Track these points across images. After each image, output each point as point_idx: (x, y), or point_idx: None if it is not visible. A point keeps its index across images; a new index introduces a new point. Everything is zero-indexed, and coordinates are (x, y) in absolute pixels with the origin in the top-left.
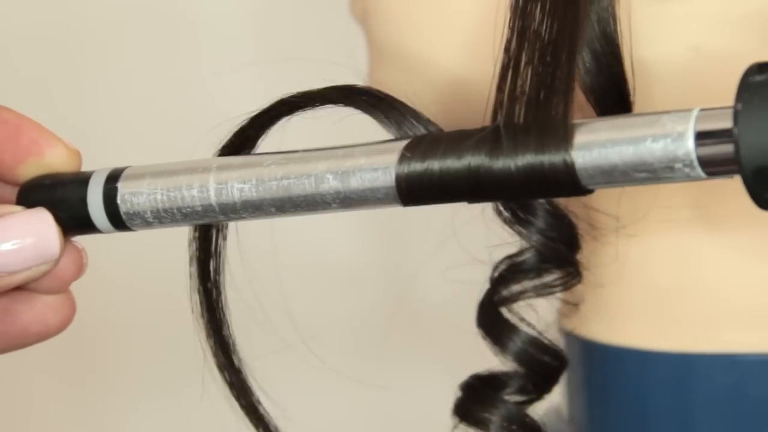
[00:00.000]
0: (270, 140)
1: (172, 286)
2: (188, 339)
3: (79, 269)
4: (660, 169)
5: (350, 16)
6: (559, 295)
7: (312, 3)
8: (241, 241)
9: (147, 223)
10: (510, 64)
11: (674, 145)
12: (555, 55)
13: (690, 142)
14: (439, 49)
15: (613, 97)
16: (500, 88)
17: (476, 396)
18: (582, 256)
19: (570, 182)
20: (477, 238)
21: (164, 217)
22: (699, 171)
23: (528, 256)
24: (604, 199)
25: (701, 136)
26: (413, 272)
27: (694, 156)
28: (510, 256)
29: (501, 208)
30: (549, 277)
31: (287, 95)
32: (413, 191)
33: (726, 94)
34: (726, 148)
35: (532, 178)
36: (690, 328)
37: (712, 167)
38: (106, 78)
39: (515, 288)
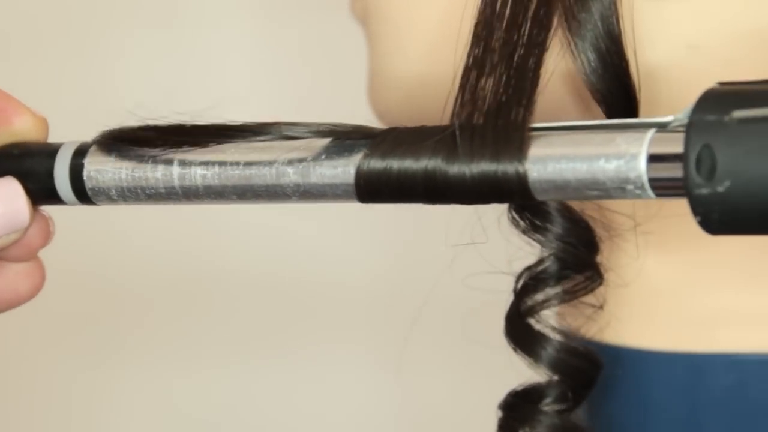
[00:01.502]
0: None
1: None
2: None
3: (47, 237)
4: (612, 189)
5: (350, 15)
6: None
7: (312, 3)
8: (268, 251)
9: (111, 200)
10: (473, 67)
11: (627, 166)
12: (521, 63)
13: (642, 165)
14: (439, 46)
15: (619, 94)
16: (462, 89)
17: (517, 413)
18: (602, 258)
19: (521, 191)
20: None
21: (128, 196)
22: (649, 193)
23: (548, 264)
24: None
25: (653, 159)
26: (432, 281)
27: (645, 179)
28: (530, 267)
29: (517, 217)
30: (571, 283)
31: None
32: (371, 189)
33: None
34: (676, 173)
35: (485, 185)
36: (691, 328)
37: (662, 190)
38: (104, 72)
39: (539, 297)
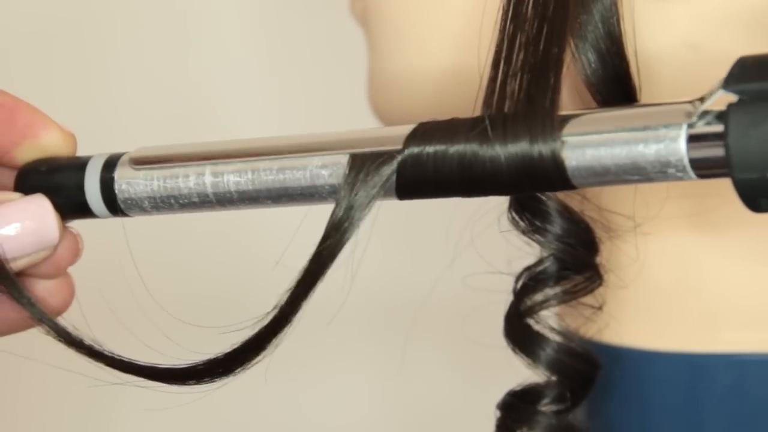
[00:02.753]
0: None
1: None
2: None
3: (76, 254)
4: (653, 173)
5: (350, 15)
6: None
7: (312, 3)
8: (266, 251)
9: (144, 211)
10: (499, 62)
11: (666, 149)
12: (545, 55)
13: (682, 146)
14: (435, 44)
15: (619, 95)
16: (491, 82)
17: (515, 413)
18: (602, 259)
19: (559, 175)
20: (494, 247)
21: (161, 206)
22: (691, 174)
23: (548, 264)
24: (618, 199)
25: (693, 139)
26: (432, 281)
27: (686, 160)
28: (529, 267)
29: (517, 218)
30: (570, 283)
31: None
32: (409, 184)
33: None
34: (717, 152)
35: (521, 170)
36: (691, 328)
37: (704, 170)
38: (109, 75)
39: (538, 297)
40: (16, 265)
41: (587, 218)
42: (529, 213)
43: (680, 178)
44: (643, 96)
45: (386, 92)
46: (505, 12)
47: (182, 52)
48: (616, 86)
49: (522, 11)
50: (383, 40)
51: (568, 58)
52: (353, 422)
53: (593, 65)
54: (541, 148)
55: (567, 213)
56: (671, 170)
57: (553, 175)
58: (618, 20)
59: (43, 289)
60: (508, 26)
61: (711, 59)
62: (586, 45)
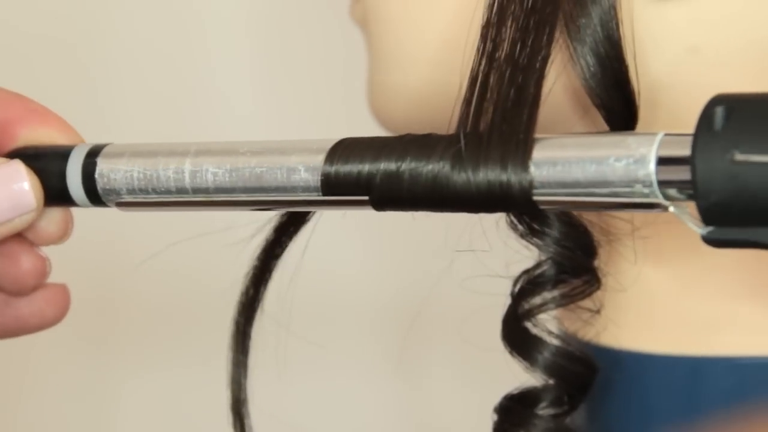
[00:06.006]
0: None
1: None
2: (192, 313)
3: (64, 230)
4: (620, 188)
5: (350, 18)
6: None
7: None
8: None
9: (121, 199)
10: (478, 77)
11: (636, 165)
12: (525, 73)
13: (651, 165)
14: (438, 52)
15: (618, 99)
16: (467, 98)
17: (512, 416)
18: (600, 262)
19: (524, 199)
20: (492, 250)
21: (138, 194)
22: (657, 193)
23: (546, 267)
24: None
25: (662, 161)
26: (430, 284)
27: (654, 178)
28: (527, 271)
29: (515, 221)
30: (569, 287)
31: None
32: (384, 196)
33: None
34: (684, 175)
35: (490, 193)
36: (690, 332)
37: (671, 191)
38: (108, 77)
39: (536, 301)
40: None
41: (585, 222)
42: (527, 216)
43: (647, 196)
44: (642, 100)
45: (386, 98)
46: (485, 30)
47: (180, 56)
48: (615, 90)
49: (502, 30)
50: (383, 46)
51: (566, 62)
52: (351, 427)
53: (592, 69)
54: (511, 177)
55: (565, 216)
56: (638, 186)
57: (521, 202)
58: (617, 24)
59: (41, 299)
60: (487, 44)
61: (710, 62)
62: (585, 48)
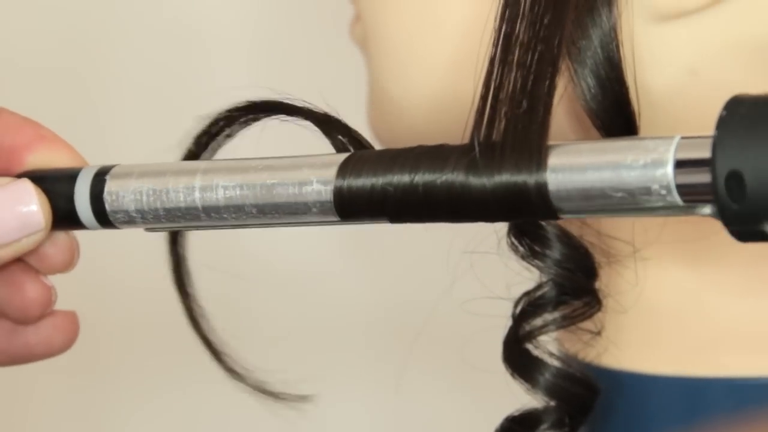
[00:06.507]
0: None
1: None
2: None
3: (70, 256)
4: (637, 191)
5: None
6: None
7: (312, 6)
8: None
9: (131, 220)
10: (491, 89)
11: (654, 168)
12: (536, 85)
13: (669, 168)
14: (437, 72)
15: (619, 121)
16: (480, 109)
17: None
18: (601, 284)
19: (542, 203)
20: (493, 272)
21: (147, 213)
22: (676, 196)
23: (547, 289)
24: (617, 225)
25: (680, 164)
26: (430, 305)
27: (672, 181)
28: (528, 292)
29: (516, 243)
30: (569, 308)
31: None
32: (399, 208)
33: None
34: (704, 177)
35: (506, 198)
36: (691, 352)
37: (690, 195)
38: (105, 80)
39: (537, 322)
40: (4, 253)
41: (586, 243)
42: (528, 238)
43: (665, 199)
44: (643, 121)
45: (386, 116)
46: (496, 40)
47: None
48: (615, 112)
49: (513, 39)
50: (383, 65)
51: (567, 84)
52: None
53: (593, 91)
54: (527, 180)
55: (566, 238)
56: (655, 187)
57: (539, 207)
58: (617, 46)
59: (50, 327)
60: (498, 53)
61: (711, 84)
62: (585, 70)
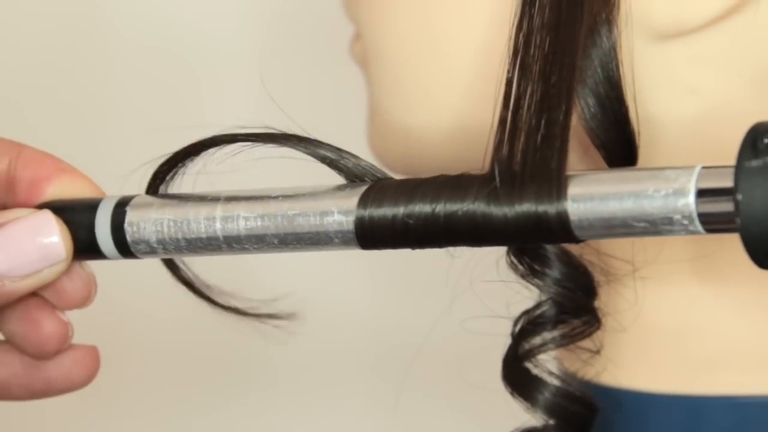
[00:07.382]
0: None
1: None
2: (202, 358)
3: (88, 291)
4: (659, 220)
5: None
6: None
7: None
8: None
9: (152, 250)
10: (507, 117)
11: (675, 198)
12: (552, 113)
13: (691, 197)
14: (439, 94)
15: (619, 140)
16: (498, 139)
17: None
18: (600, 303)
19: (563, 230)
20: (492, 291)
21: (169, 244)
22: (698, 226)
23: (546, 308)
24: (616, 244)
25: (702, 193)
26: (430, 324)
27: (694, 211)
28: (528, 311)
29: (516, 261)
30: (569, 327)
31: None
32: (420, 235)
33: (726, 137)
34: (726, 206)
35: (527, 226)
36: (690, 371)
37: (712, 224)
38: (105, 80)
39: (536, 341)
40: (26, 284)
41: (586, 262)
42: (527, 257)
43: (687, 229)
44: (643, 140)
45: (386, 136)
46: (512, 67)
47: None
48: (615, 130)
49: (528, 68)
50: (383, 85)
51: None
52: None
53: (592, 110)
54: (548, 210)
55: (566, 257)
56: (677, 217)
57: (560, 235)
58: (617, 65)
59: (71, 361)
60: (515, 83)
61: (710, 102)
62: (585, 90)
